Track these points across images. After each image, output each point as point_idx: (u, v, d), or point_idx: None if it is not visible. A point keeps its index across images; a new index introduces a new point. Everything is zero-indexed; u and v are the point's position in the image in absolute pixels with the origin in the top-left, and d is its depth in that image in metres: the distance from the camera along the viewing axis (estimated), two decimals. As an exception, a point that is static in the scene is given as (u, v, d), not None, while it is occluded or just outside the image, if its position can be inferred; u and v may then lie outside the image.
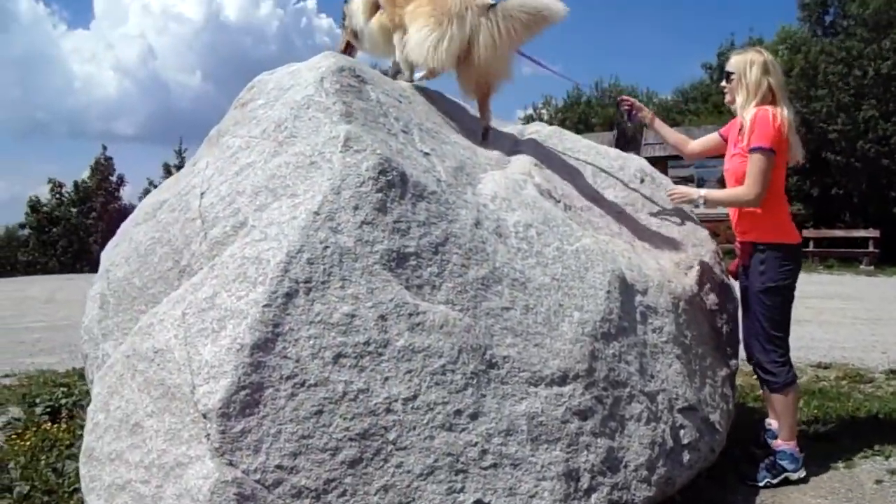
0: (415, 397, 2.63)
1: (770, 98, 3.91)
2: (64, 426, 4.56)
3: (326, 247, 2.72)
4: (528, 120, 32.51)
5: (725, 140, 4.25)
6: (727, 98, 4.11)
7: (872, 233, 20.40)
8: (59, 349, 8.53)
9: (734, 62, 4.02)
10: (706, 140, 4.49)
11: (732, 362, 4.07)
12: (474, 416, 2.71)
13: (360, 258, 2.76)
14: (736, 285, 4.26)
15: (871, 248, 20.17)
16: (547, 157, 4.16)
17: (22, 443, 4.27)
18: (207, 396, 2.45)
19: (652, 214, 4.24)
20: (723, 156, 4.25)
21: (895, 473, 3.96)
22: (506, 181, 3.53)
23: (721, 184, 4.38)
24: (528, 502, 2.69)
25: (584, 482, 2.86)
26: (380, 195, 2.90)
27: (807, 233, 20.13)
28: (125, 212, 22.63)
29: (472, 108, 4.37)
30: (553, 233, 3.37)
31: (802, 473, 3.91)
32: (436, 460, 2.59)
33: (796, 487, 3.84)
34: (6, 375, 6.99)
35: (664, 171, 6.30)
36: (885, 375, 6.49)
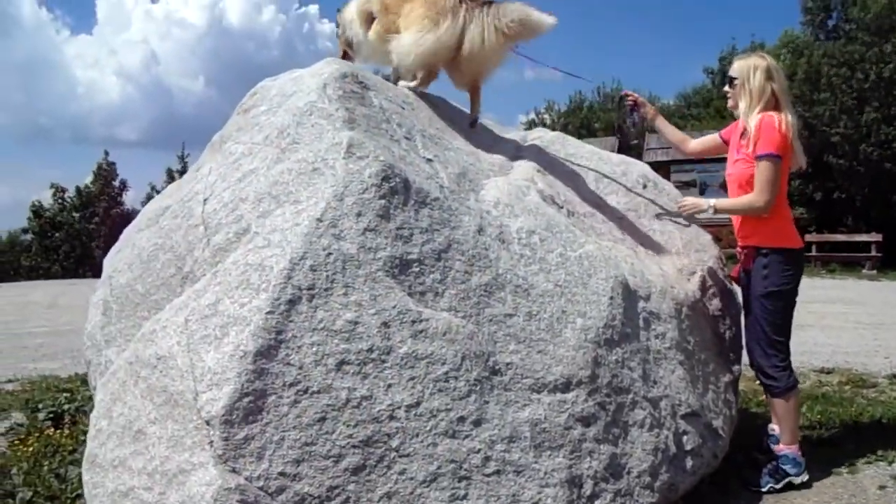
0: (418, 404, 2.63)
1: (773, 103, 3.91)
2: (67, 432, 4.56)
3: (329, 254, 2.72)
4: (531, 125, 32.56)
5: (725, 142, 4.26)
6: (730, 103, 4.11)
7: (875, 237, 20.37)
8: (61, 354, 8.54)
9: (737, 67, 4.02)
10: (706, 140, 4.52)
11: (735, 368, 4.06)
12: (477, 423, 2.71)
13: (363, 265, 2.76)
14: (738, 290, 4.25)
15: (873, 253, 20.13)
16: (550, 162, 4.16)
17: (25, 448, 4.26)
18: (210, 403, 2.45)
19: (655, 220, 4.24)
20: (723, 160, 4.25)
21: (899, 479, 3.95)
22: (509, 187, 3.53)
23: (723, 188, 4.38)
24: (531, 509, 2.69)
25: (588, 489, 2.86)
26: (383, 202, 2.90)
27: (809, 237, 20.14)
28: (128, 217, 22.68)
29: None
30: (556, 239, 3.37)
31: (805, 477, 3.90)
32: (439, 467, 2.60)
33: (799, 493, 3.83)
34: (9, 381, 6.99)
35: (666, 176, 6.30)
36: (888, 380, 6.48)
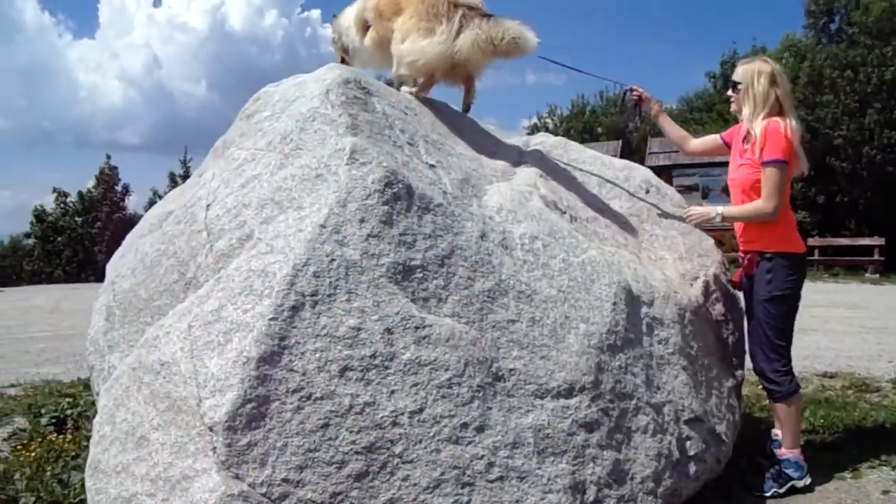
0: (421, 410, 2.63)
1: (777, 109, 3.91)
2: (69, 437, 4.55)
3: (332, 260, 2.72)
4: (533, 129, 32.61)
5: (727, 144, 4.26)
6: (733, 107, 4.11)
7: (878, 241, 20.33)
8: (64, 359, 8.55)
9: (741, 72, 4.02)
10: (707, 140, 4.52)
11: (738, 373, 4.06)
12: (480, 429, 2.70)
13: (366, 271, 2.76)
14: (741, 295, 4.25)
15: (876, 256, 20.09)
16: (552, 168, 4.16)
17: (27, 453, 4.26)
18: (213, 409, 2.45)
19: (657, 225, 4.24)
20: (725, 164, 4.25)
21: (903, 484, 3.95)
22: (511, 193, 3.53)
23: (725, 192, 4.38)
24: (534, 515, 2.69)
25: (591, 495, 2.86)
26: (386, 208, 2.90)
27: (812, 241, 20.10)
28: (130, 222, 22.73)
29: (479, 120, 4.40)
30: (559, 244, 3.37)
31: (808, 481, 3.90)
32: (442, 473, 2.59)
33: (803, 498, 3.83)
34: (11, 385, 7.00)
35: (668, 180, 6.32)
36: (891, 385, 6.46)
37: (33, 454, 4.23)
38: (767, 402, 4.27)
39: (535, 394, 2.87)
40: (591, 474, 2.87)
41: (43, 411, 5.19)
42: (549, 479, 2.76)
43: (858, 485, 3.98)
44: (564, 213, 3.72)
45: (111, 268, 3.84)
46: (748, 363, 4.11)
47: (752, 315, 4.06)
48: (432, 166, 3.37)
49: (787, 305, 3.95)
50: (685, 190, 20.27)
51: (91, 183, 32.08)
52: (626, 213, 4.19)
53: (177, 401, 2.56)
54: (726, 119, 22.30)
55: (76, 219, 31.08)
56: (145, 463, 2.56)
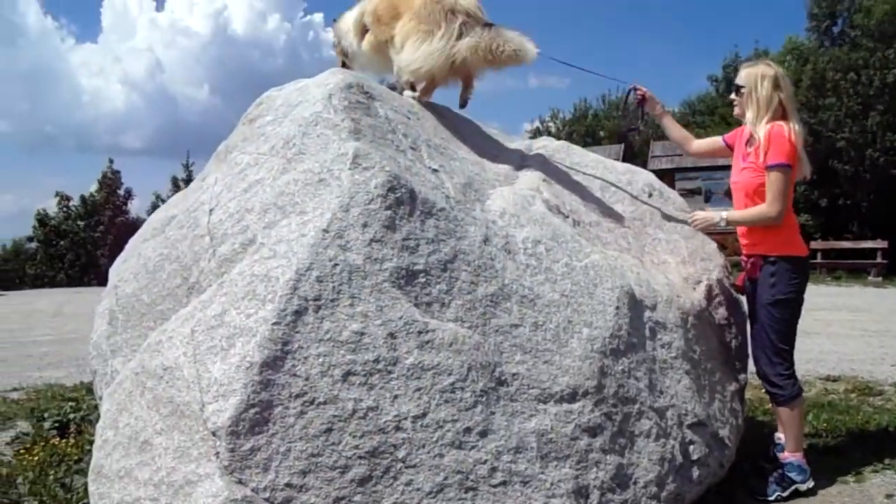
0: (424, 415, 2.63)
1: (781, 113, 3.91)
2: (72, 441, 4.55)
3: (335, 264, 2.73)
4: (536, 133, 32.60)
5: (729, 147, 4.27)
6: (736, 111, 4.11)
7: (880, 244, 20.29)
8: (66, 363, 8.55)
9: (745, 76, 4.02)
10: (709, 142, 4.54)
11: (741, 377, 4.05)
12: (484, 434, 2.70)
13: (369, 276, 2.76)
14: (744, 299, 4.25)
15: (879, 260, 20.06)
16: (555, 172, 4.16)
17: (30, 457, 4.26)
18: (217, 414, 2.45)
19: (660, 229, 4.23)
20: (728, 167, 4.25)
21: (906, 488, 3.94)
22: (514, 197, 3.54)
23: (728, 196, 4.38)
24: (537, 520, 2.69)
25: (594, 499, 2.85)
26: (388, 212, 2.91)
27: (814, 244, 20.10)
28: (133, 226, 22.76)
29: (481, 124, 4.40)
30: (562, 249, 3.37)
31: (811, 484, 3.89)
32: (445, 478, 2.59)
33: (806, 501, 3.83)
34: (14, 389, 7.01)
35: (671, 184, 6.33)
36: (894, 388, 6.45)
37: (36, 458, 4.23)
38: (770, 405, 4.27)
39: (539, 398, 2.87)
40: (594, 479, 2.87)
41: (46, 415, 5.20)
42: (552, 484, 2.75)
43: (861, 488, 3.98)
44: (567, 217, 3.72)
45: (114, 272, 3.84)
46: (751, 367, 4.11)
47: (755, 319, 4.05)
48: (435, 171, 3.37)
49: (791, 309, 3.95)
50: (688, 193, 20.24)
51: (94, 187, 32.24)
52: (629, 217, 4.19)
53: (180, 405, 2.56)
54: (729, 122, 22.32)
55: (79, 223, 31.16)
56: (148, 468, 2.56)
